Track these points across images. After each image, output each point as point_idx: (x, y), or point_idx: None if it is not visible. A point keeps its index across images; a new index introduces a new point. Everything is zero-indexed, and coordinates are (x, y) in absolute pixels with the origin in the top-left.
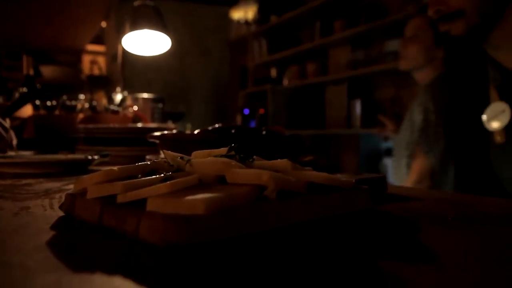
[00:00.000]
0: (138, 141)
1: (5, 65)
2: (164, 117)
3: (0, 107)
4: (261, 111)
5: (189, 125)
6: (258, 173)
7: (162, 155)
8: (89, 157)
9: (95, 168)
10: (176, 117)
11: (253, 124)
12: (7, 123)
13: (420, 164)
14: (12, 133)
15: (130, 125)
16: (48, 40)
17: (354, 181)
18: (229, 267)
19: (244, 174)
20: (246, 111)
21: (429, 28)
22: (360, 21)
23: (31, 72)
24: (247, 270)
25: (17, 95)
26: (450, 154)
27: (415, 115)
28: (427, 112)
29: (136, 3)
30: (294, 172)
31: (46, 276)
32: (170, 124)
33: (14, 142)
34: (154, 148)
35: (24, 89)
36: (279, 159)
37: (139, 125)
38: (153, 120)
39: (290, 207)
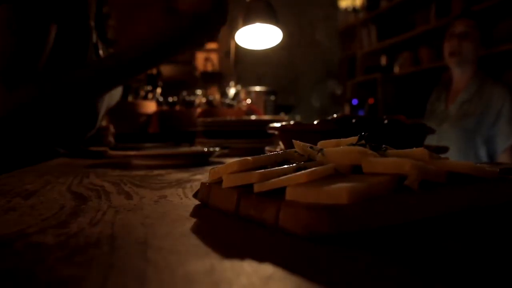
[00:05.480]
0: (254, 133)
1: None
2: (276, 109)
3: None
4: (371, 100)
5: (298, 117)
6: (399, 162)
7: (281, 146)
8: (211, 149)
9: (216, 160)
10: (287, 109)
11: (361, 114)
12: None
13: None
14: (111, 128)
15: (246, 117)
16: None
17: (498, 170)
18: (376, 259)
19: (383, 163)
20: (355, 101)
21: (477, 28)
22: None
23: (154, 71)
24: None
25: (142, 93)
26: None
27: None
28: None
29: None
30: (433, 161)
31: (199, 261)
32: (283, 116)
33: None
34: (270, 140)
35: (149, 87)
36: (414, 148)
37: (253, 117)
38: (265, 113)
39: (434, 198)
